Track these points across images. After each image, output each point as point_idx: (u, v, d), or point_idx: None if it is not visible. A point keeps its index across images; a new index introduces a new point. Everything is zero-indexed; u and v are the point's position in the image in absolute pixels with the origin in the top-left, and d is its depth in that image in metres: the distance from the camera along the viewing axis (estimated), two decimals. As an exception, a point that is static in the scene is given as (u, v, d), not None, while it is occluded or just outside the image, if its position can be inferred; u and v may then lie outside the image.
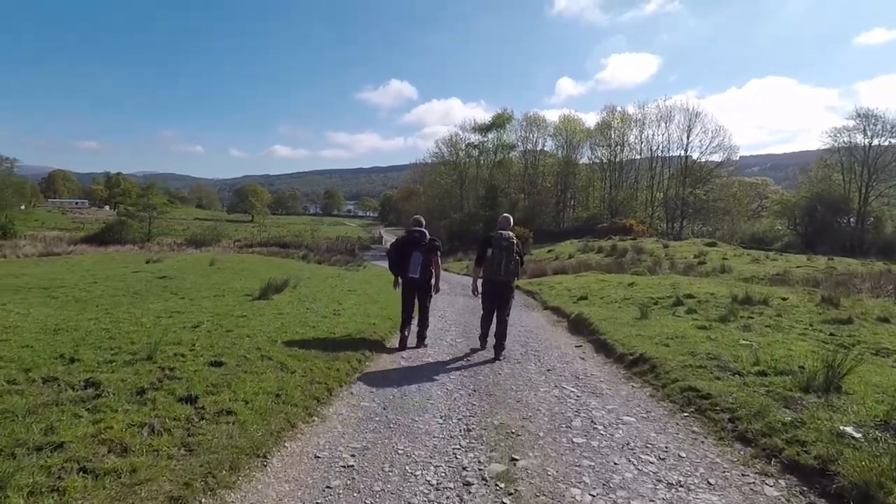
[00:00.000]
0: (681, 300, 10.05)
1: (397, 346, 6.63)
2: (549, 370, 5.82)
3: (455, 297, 13.87)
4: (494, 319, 6.48)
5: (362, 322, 7.22)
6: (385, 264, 28.38)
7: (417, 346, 6.67)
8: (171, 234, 55.30)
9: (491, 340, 6.52)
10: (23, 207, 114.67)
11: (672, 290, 11.47)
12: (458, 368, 5.80)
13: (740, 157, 58.28)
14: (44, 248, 36.55)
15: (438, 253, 6.64)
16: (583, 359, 6.46)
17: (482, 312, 6.59)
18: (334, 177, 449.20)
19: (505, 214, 6.71)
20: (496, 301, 6.40)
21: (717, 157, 55.06)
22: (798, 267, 20.54)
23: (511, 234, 6.25)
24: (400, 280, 6.62)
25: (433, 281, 6.69)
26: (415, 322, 6.90)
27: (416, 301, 6.73)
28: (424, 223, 6.72)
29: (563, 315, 10.13)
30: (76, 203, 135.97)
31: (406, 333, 6.63)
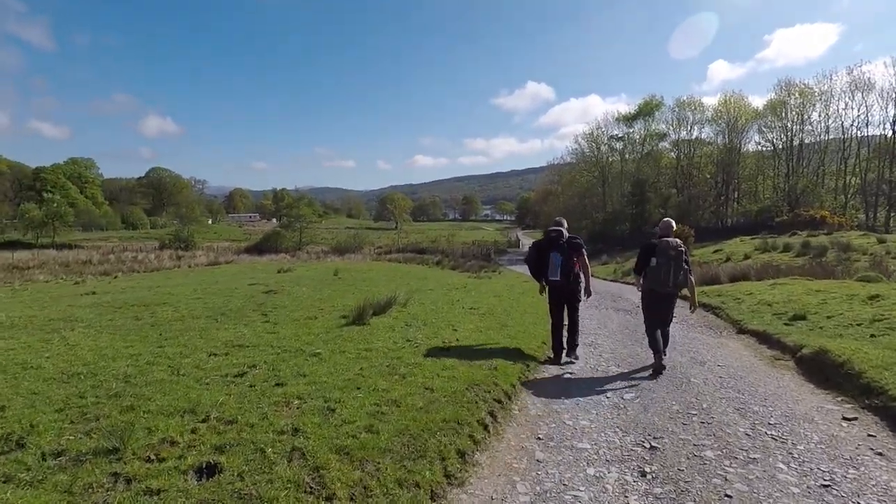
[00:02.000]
0: None
1: (551, 357, 6.15)
2: (822, 486, 2.98)
3: (606, 312, 11.02)
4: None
5: (479, 366, 4.96)
6: (521, 269, 26.09)
7: (568, 354, 6.12)
8: (320, 243, 58.93)
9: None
10: (210, 222, 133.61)
11: (956, 307, 7.46)
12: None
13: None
14: (214, 257, 40.66)
15: (583, 251, 6.02)
16: (881, 455, 3.45)
17: (648, 329, 5.97)
18: (472, 182, 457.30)
19: (667, 219, 6.18)
20: (661, 316, 5.95)
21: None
22: None
23: (678, 241, 5.80)
24: (546, 286, 6.13)
25: (582, 283, 6.11)
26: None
27: (566, 308, 6.16)
28: (566, 223, 6.25)
29: (778, 346, 6.84)
30: (250, 217, 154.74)
31: (560, 345, 6.13)
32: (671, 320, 6.18)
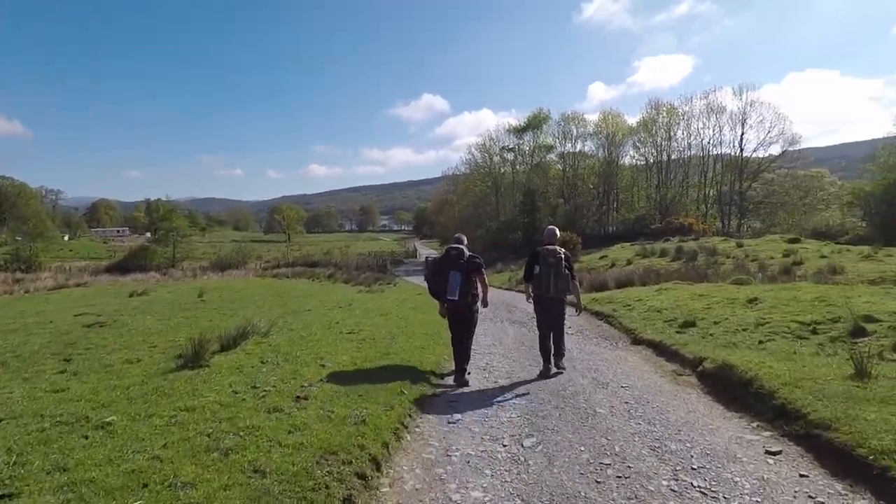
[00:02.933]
0: (862, 327, 6.29)
1: (450, 377, 5.82)
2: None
3: (501, 326, 10.36)
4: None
5: (341, 421, 3.82)
6: (418, 280, 25.15)
7: (456, 384, 5.65)
8: (199, 258, 53.79)
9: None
10: (66, 238, 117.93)
11: (826, 307, 7.65)
12: None
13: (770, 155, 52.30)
14: (64, 279, 35.28)
15: (482, 270, 5.80)
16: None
17: (539, 332, 6.24)
18: (369, 192, 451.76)
19: (550, 227, 6.37)
20: (550, 319, 6.14)
21: (776, 148, 49.75)
22: (941, 264, 16.04)
23: (558, 248, 5.99)
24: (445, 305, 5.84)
25: (480, 296, 5.92)
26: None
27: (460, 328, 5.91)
28: (466, 240, 6.04)
29: (677, 359, 6.45)
30: (118, 231, 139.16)
31: (465, 367, 5.82)
32: (563, 327, 6.29)
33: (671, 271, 19.08)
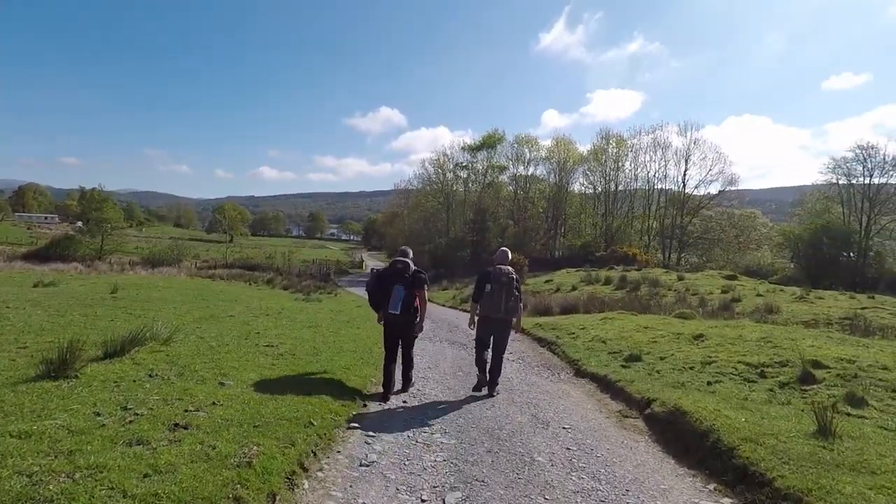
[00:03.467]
0: (810, 373, 6.06)
1: (380, 393, 5.61)
2: None
3: (440, 347, 9.72)
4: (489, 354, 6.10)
5: (222, 460, 3.03)
6: (360, 291, 24.24)
7: (403, 389, 5.87)
8: (130, 253, 50.30)
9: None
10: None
11: (771, 349, 7.46)
12: None
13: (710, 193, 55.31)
14: (-30, 263, 32.10)
15: (425, 287, 5.78)
16: None
17: (476, 350, 6.23)
18: (320, 200, 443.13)
19: (503, 248, 6.43)
20: (492, 337, 6.05)
21: (715, 186, 52.21)
22: (864, 308, 16.73)
23: (510, 269, 6.00)
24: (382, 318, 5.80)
25: (417, 318, 5.80)
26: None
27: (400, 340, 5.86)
28: (411, 254, 6.03)
29: (622, 397, 5.98)
30: (45, 218, 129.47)
31: (390, 381, 5.66)
32: (504, 351, 6.20)
33: (615, 300, 19.12)
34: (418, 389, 6.09)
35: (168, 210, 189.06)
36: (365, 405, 5.10)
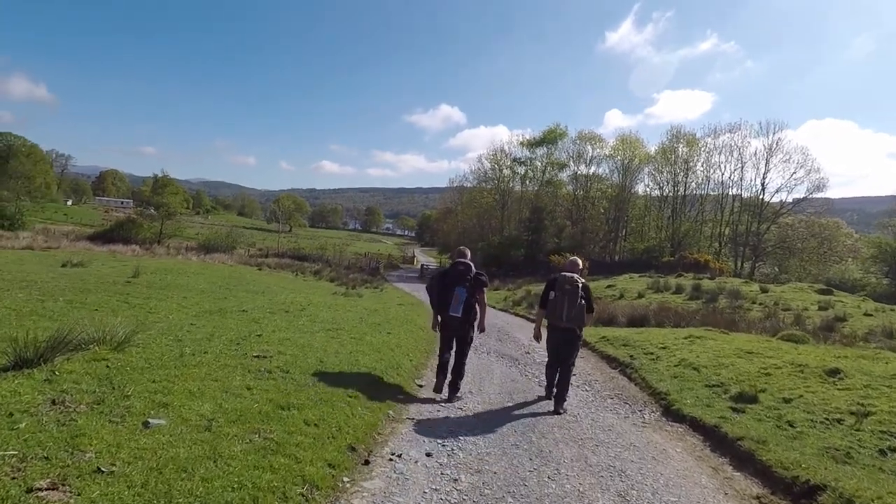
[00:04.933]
0: None
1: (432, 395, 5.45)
2: None
3: (487, 360, 8.01)
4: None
5: None
6: (409, 287, 22.89)
7: (449, 399, 5.53)
8: (188, 238, 51.49)
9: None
10: (69, 203, 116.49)
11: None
12: None
13: (779, 200, 49.95)
14: (41, 241, 33.39)
15: (484, 290, 5.68)
16: None
17: (548, 360, 6.07)
18: (377, 195, 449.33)
19: (573, 257, 6.27)
20: (559, 349, 5.77)
21: (799, 191, 47.29)
22: None
23: (576, 276, 5.77)
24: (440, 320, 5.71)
25: (476, 321, 5.68)
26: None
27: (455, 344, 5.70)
28: (470, 255, 5.87)
29: (753, 468, 4.00)
30: (122, 203, 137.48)
31: (446, 368, 5.63)
32: (571, 366, 5.84)
33: (690, 312, 16.73)
34: (451, 431, 4.38)
35: (233, 199, 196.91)
36: (367, 462, 3.42)
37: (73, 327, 4.22)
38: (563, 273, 5.84)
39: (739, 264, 49.10)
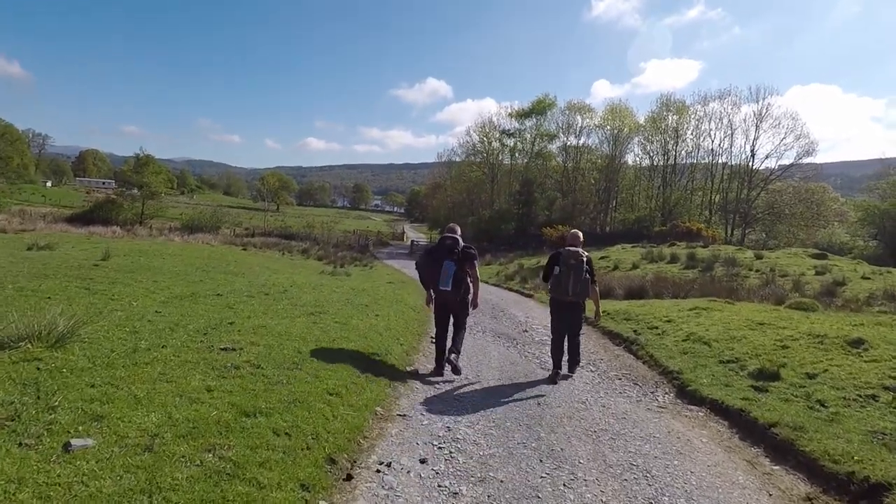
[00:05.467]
0: None
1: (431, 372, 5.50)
2: None
3: (483, 340, 7.51)
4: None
5: None
6: (399, 263, 22.34)
7: (454, 372, 5.46)
8: (172, 218, 50.21)
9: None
10: (48, 184, 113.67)
11: None
12: None
13: (767, 167, 49.54)
14: (18, 224, 32.33)
15: (475, 263, 5.66)
16: None
17: (553, 336, 5.93)
18: (365, 171, 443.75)
19: (574, 230, 6.22)
20: (566, 322, 5.82)
21: (789, 156, 46.92)
22: None
23: (581, 251, 5.79)
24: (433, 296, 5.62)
25: (470, 296, 5.67)
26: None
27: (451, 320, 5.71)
28: (459, 230, 5.85)
29: (795, 460, 3.51)
30: (104, 183, 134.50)
31: (443, 363, 5.56)
32: (579, 334, 5.98)
33: (687, 281, 16.31)
34: (449, 429, 3.83)
35: (219, 178, 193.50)
36: (349, 477, 2.86)
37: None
38: (567, 248, 5.80)
39: (730, 231, 49.02)
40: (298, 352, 4.66)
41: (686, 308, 9.26)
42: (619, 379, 6.00)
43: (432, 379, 5.36)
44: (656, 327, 8.19)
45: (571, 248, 5.77)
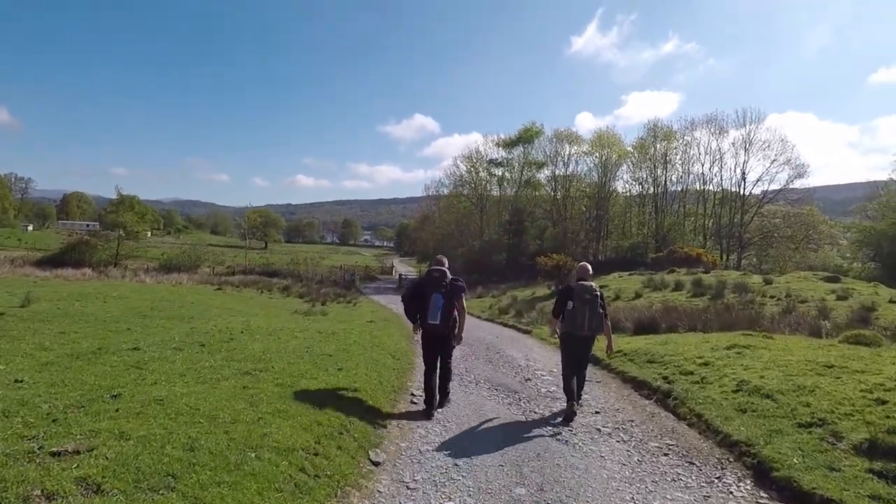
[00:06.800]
0: None
1: (422, 410, 5.30)
2: None
3: (478, 395, 5.90)
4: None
5: None
6: (385, 299, 20.68)
7: (440, 405, 5.55)
8: (151, 259, 48.22)
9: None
10: (30, 228, 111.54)
11: None
12: None
13: (761, 191, 49.18)
14: (-19, 271, 30.36)
15: (463, 296, 5.56)
16: None
17: (564, 372, 5.72)
18: (354, 207, 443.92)
19: (583, 263, 6.17)
20: (577, 358, 5.70)
21: (781, 178, 46.36)
22: None
23: (594, 285, 5.67)
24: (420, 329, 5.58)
25: (456, 329, 5.51)
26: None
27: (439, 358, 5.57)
28: (447, 263, 5.76)
29: None
30: (87, 226, 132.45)
31: (433, 392, 5.40)
32: (588, 362, 5.95)
33: (698, 310, 14.74)
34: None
35: (207, 218, 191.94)
36: None
37: None
38: (580, 282, 5.68)
39: (725, 256, 47.99)
40: (190, 449, 2.99)
41: (721, 346, 7.66)
42: (666, 454, 4.37)
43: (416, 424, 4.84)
44: (691, 372, 6.58)
45: (584, 283, 5.63)
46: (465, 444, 4.40)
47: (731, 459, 4.19)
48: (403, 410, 5.36)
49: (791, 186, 47.24)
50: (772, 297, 17.52)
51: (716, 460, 4.21)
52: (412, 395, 6.09)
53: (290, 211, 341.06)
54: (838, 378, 5.50)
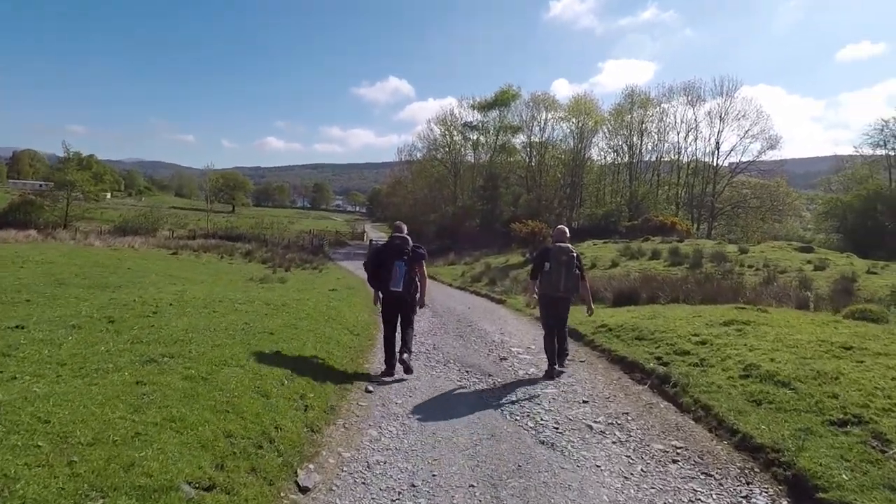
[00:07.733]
0: None
1: (383, 370, 5.41)
2: None
3: (447, 379, 4.91)
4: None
5: None
6: (354, 265, 19.59)
7: (404, 365, 5.38)
8: (106, 221, 45.58)
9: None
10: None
11: None
12: None
13: (730, 162, 49.44)
14: None
15: (424, 262, 5.62)
16: None
17: (544, 333, 5.85)
18: (326, 171, 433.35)
19: (560, 226, 6.31)
20: (555, 317, 5.78)
21: (755, 148, 46.38)
22: None
23: (570, 246, 5.78)
24: (381, 295, 5.56)
25: (418, 295, 5.61)
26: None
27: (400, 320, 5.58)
28: (406, 229, 5.83)
29: None
30: (40, 185, 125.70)
31: (393, 362, 5.43)
32: (566, 323, 5.96)
33: (678, 280, 14.13)
34: None
35: (171, 179, 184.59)
36: None
37: None
38: (557, 244, 5.76)
39: (697, 226, 48.19)
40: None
41: (716, 321, 6.90)
42: (675, 461, 3.53)
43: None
44: (688, 352, 5.79)
45: (561, 245, 5.72)
46: (428, 452, 3.48)
47: (757, 469, 3.37)
48: (354, 402, 4.40)
49: (762, 158, 47.39)
50: (749, 266, 17.12)
51: (737, 470, 3.39)
52: (368, 378, 5.15)
53: (260, 174, 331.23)
54: (861, 362, 4.75)
